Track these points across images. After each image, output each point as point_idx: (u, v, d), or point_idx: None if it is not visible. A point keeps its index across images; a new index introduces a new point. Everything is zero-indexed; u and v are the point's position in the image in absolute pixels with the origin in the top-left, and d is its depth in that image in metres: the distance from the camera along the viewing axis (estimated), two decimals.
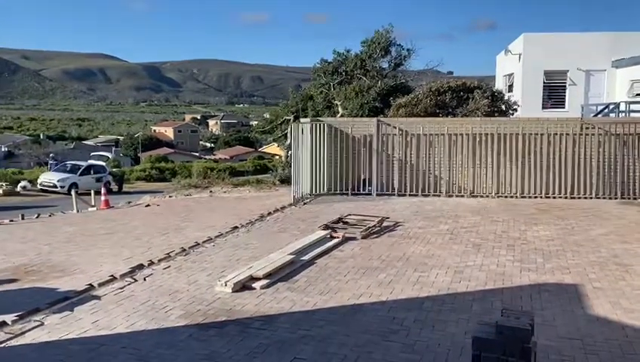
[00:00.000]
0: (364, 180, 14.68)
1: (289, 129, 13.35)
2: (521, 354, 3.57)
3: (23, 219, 13.70)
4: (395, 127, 14.48)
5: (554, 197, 13.60)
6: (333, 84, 22.53)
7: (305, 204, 13.55)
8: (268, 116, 33.43)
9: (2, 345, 5.36)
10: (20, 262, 8.55)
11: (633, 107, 18.75)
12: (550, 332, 5.42)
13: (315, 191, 14.55)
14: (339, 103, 21.32)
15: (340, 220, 10.68)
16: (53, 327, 5.78)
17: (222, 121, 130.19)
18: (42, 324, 5.86)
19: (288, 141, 13.33)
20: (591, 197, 13.47)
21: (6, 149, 66.73)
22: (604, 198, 13.39)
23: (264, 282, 7.04)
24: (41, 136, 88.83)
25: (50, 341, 5.45)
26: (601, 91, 23.82)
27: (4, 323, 5.80)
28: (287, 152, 13.67)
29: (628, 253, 8.34)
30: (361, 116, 18.84)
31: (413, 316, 5.91)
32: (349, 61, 22.52)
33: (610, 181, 13.50)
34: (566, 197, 13.56)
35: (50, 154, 35.20)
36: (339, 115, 20.44)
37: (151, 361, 4.96)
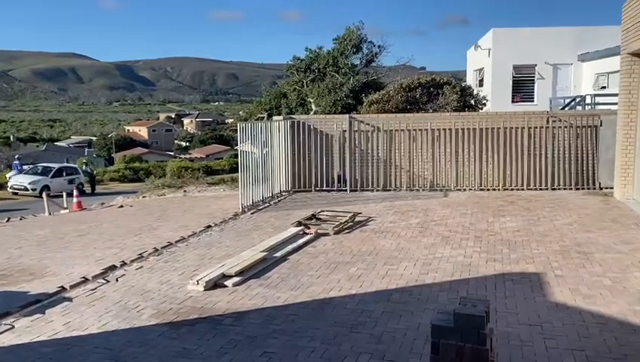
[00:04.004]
0: (338, 176, 14.83)
1: (238, 128, 12.59)
2: (478, 340, 3.75)
3: None
4: (367, 124, 14.66)
5: (521, 190, 13.92)
6: (306, 82, 22.66)
7: (279, 202, 13.64)
8: (242, 114, 33.39)
9: None
10: None
11: (598, 100, 19.25)
12: (512, 319, 5.65)
13: (289, 189, 14.66)
14: (312, 100, 21.47)
15: (313, 217, 10.82)
16: (24, 330, 5.79)
17: (197, 120, 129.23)
18: (13, 327, 5.87)
19: (241, 140, 12.75)
20: (556, 189, 13.82)
21: None
22: (569, 189, 13.75)
23: (236, 279, 7.14)
24: (11, 138, 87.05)
25: (21, 343, 5.47)
26: (569, 84, 24.42)
27: None
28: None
29: (590, 241, 8.64)
30: (334, 113, 19.02)
31: (381, 308, 6.08)
32: (321, 58, 22.67)
33: (575, 172, 13.84)
34: (532, 189, 13.88)
35: (16, 156, 34.62)
36: (312, 112, 20.59)
37: (123, 360, 5.03)
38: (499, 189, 14.00)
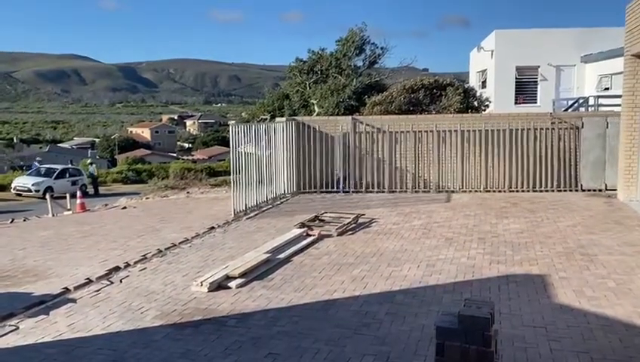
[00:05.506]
0: (340, 178, 14.82)
1: (230, 130, 12.07)
2: (482, 342, 3.74)
3: None
4: (370, 125, 14.65)
5: (524, 191, 13.89)
6: (309, 83, 22.66)
7: (281, 203, 13.65)
8: (245, 115, 33.40)
9: None
10: None
11: (601, 101, 19.20)
12: (516, 321, 5.63)
13: (291, 190, 14.66)
14: (315, 102, 21.46)
15: (316, 218, 10.81)
16: (29, 331, 5.80)
17: (199, 121, 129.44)
18: (17, 329, 5.88)
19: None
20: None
21: None
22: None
23: (240, 281, 7.14)
24: (15, 140, 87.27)
25: (26, 344, 5.48)
26: (572, 86, 24.40)
27: None
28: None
29: (593, 243, 8.62)
30: (337, 115, 18.98)
31: (385, 309, 6.08)
32: (323, 60, 22.67)
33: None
34: (535, 191, 13.85)
35: (37, 158, 34.97)
36: (315, 114, 20.58)
37: (127, 361, 5.03)
38: (480, 191, 14.00)
